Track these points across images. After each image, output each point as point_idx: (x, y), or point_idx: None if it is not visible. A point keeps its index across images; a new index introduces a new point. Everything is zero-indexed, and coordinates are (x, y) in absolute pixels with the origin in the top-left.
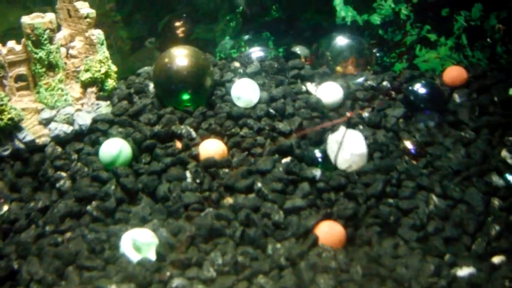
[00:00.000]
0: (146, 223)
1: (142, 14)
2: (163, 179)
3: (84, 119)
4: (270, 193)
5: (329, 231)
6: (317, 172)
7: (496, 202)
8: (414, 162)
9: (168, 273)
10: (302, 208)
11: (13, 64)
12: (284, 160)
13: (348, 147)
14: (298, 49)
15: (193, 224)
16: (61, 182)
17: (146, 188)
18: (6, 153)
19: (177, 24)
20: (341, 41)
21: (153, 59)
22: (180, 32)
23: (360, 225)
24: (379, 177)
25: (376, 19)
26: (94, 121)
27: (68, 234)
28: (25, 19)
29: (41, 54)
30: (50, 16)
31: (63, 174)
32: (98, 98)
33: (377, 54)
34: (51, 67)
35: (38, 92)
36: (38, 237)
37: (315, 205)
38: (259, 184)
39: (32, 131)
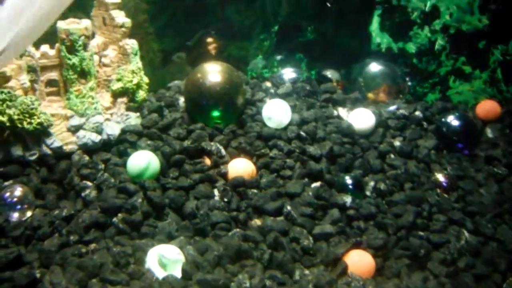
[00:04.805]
0: (173, 239)
1: (176, 27)
2: (191, 196)
3: (112, 129)
4: (299, 217)
5: (359, 260)
6: (348, 199)
7: None
8: (446, 196)
9: None
10: (332, 235)
11: (45, 68)
12: (313, 185)
13: None
14: (329, 73)
15: (220, 243)
16: (87, 191)
17: (173, 203)
18: (33, 158)
19: (210, 40)
20: (375, 67)
21: (184, 73)
22: (212, 48)
23: (390, 256)
24: (410, 208)
25: (411, 47)
26: (123, 131)
27: (93, 245)
28: (61, 24)
29: (74, 60)
30: (85, 22)
31: (89, 183)
32: (128, 109)
33: (410, 83)
34: (83, 74)
35: (68, 99)
36: (62, 246)
37: (344, 232)
38: (289, 208)
39: (60, 138)
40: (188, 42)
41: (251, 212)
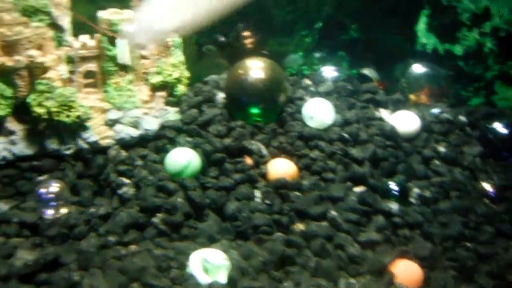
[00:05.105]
0: (214, 242)
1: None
2: (231, 196)
3: (150, 124)
4: (344, 223)
5: (406, 270)
6: (394, 206)
7: None
8: (493, 206)
9: None
10: (378, 243)
11: (83, 59)
12: (357, 189)
13: None
14: (367, 71)
15: (264, 248)
16: (124, 189)
17: (213, 204)
18: (69, 152)
19: (246, 33)
20: (418, 68)
21: (220, 67)
22: (248, 42)
23: (436, 267)
24: (457, 218)
25: (458, 49)
26: (162, 127)
27: (133, 247)
28: (103, 14)
29: (115, 51)
30: (128, 13)
31: (126, 180)
32: (166, 103)
33: (454, 86)
34: (123, 66)
35: (106, 91)
36: (101, 247)
37: (389, 240)
38: (333, 213)
39: (97, 131)
40: (220, 36)
41: (294, 215)
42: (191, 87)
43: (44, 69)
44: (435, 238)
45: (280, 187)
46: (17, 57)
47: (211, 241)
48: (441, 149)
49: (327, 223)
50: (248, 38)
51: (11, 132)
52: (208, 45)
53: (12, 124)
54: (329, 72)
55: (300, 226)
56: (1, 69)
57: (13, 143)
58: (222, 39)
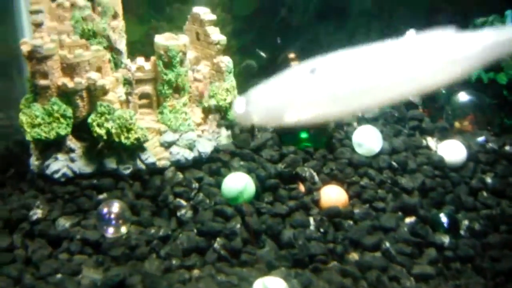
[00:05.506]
0: (273, 269)
1: (261, 44)
2: (287, 223)
3: (204, 147)
4: (398, 255)
5: None
6: (446, 239)
7: None
8: None
9: None
10: (432, 277)
11: (140, 81)
12: (408, 220)
13: None
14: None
15: (321, 278)
16: (182, 211)
17: (270, 230)
18: (127, 172)
19: (292, 56)
20: (463, 96)
21: None
22: (294, 65)
23: None
24: (508, 253)
25: (502, 78)
26: (216, 150)
27: (196, 271)
28: (159, 40)
29: (171, 76)
30: (183, 39)
31: (184, 202)
32: (218, 126)
33: (499, 115)
34: (178, 89)
35: (161, 113)
36: (165, 270)
37: (442, 274)
38: (387, 244)
39: (153, 152)
40: (261, 52)
41: (348, 244)
42: None
43: (104, 91)
44: (487, 273)
45: (334, 216)
46: (77, 79)
47: (270, 268)
48: (489, 180)
49: (381, 253)
50: (294, 60)
51: (71, 150)
52: (249, 60)
53: (72, 142)
54: None
55: (354, 256)
56: (62, 90)
57: (72, 160)
58: (263, 54)
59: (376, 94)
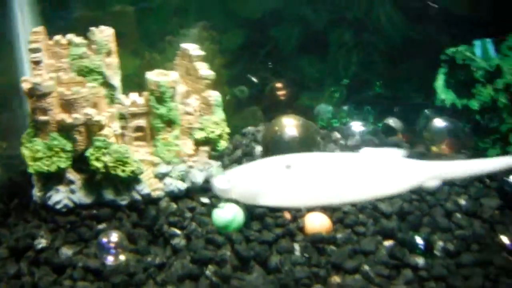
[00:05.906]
0: None
1: (250, 74)
2: (273, 250)
3: (196, 177)
4: (376, 277)
5: None
6: (420, 261)
7: None
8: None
9: None
10: None
11: (134, 115)
12: (386, 243)
13: None
14: (391, 121)
15: None
16: (176, 240)
17: (258, 257)
18: (124, 202)
19: (279, 85)
20: (439, 122)
21: (257, 118)
22: (281, 94)
23: None
24: (478, 271)
25: (474, 104)
26: (207, 181)
27: None
28: (151, 76)
29: (162, 110)
30: (173, 75)
31: (178, 231)
32: (209, 157)
33: (472, 139)
34: (170, 123)
35: (155, 146)
36: None
37: None
38: (366, 267)
39: (148, 183)
40: (252, 77)
41: (330, 268)
42: (231, 138)
43: (100, 126)
44: None
45: (317, 242)
46: (75, 115)
47: None
48: (462, 202)
49: (361, 276)
50: (281, 90)
51: (71, 182)
52: (241, 86)
53: (71, 175)
54: (357, 126)
55: (336, 279)
56: (61, 125)
57: (73, 192)
58: (255, 80)
59: (336, 193)
